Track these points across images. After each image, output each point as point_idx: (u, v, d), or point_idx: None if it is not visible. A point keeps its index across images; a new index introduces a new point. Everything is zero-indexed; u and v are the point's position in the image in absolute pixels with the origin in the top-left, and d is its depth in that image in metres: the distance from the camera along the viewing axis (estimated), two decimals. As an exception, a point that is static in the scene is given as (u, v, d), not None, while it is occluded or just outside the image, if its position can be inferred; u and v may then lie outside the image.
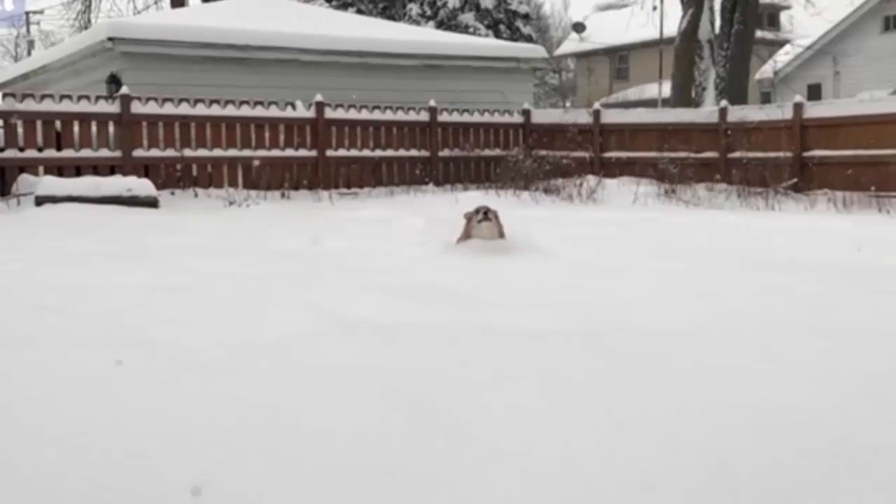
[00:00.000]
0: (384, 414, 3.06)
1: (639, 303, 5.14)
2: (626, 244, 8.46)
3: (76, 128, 13.88)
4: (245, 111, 15.29)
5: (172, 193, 14.05)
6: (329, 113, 16.09)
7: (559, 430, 2.93)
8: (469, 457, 2.70)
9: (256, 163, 15.13)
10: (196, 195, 14.27)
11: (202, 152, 14.89)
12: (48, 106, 13.71)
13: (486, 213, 7.28)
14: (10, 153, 13.37)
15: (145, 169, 14.09)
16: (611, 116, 18.42)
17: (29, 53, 31.22)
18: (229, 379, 3.42)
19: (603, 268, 6.62)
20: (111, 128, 14.16)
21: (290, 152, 15.76)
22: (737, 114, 16.89)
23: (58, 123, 13.80)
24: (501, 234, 7.41)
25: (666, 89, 29.13)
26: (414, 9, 34.52)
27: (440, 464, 2.66)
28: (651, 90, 40.37)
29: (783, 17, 46.51)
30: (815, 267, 6.69)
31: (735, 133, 16.44)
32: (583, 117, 18.29)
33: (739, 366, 3.71)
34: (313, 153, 15.96)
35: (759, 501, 2.44)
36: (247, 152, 15.27)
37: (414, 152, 17.26)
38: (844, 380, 3.52)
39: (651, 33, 36.95)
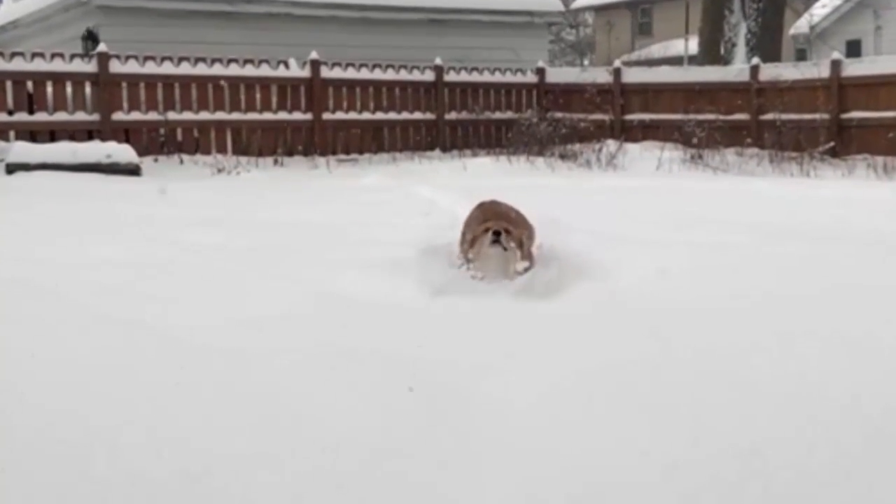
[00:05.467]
0: (382, 396, 3.06)
1: (661, 275, 5.13)
2: (649, 214, 8.43)
3: (50, 89, 13.86)
4: (234, 70, 15.25)
5: (156, 160, 14.03)
6: (326, 72, 16.04)
7: (574, 410, 2.94)
8: (475, 442, 2.70)
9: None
10: (181, 162, 14.26)
11: (187, 115, 14.87)
12: (18, 65, 13.68)
13: (497, 233, 4.91)
14: (-22, 117, 13.39)
15: (126, 134, 14.09)
16: (632, 75, 18.37)
17: (-3, 8, 31.10)
18: (218, 360, 3.43)
19: (624, 239, 6.59)
20: (88, 89, 14.14)
21: (283, 115, 15.73)
22: (769, 72, 16.82)
23: (29, 84, 13.78)
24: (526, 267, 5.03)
25: (693, 45, 28.97)
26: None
27: (443, 448, 2.66)
28: (676, 47, 40.14)
29: (821, -34, 46.17)
30: (852, 237, 6.66)
31: (767, 93, 16.38)
32: (602, 76, 18.24)
33: (767, 344, 3.71)
34: (309, 116, 15.93)
35: (791, 490, 2.45)
36: (236, 115, 15.24)
37: (418, 115, 17.21)
38: (884, 357, 3.52)
39: (676, -16, 36.69)
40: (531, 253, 5.22)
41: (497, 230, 4.90)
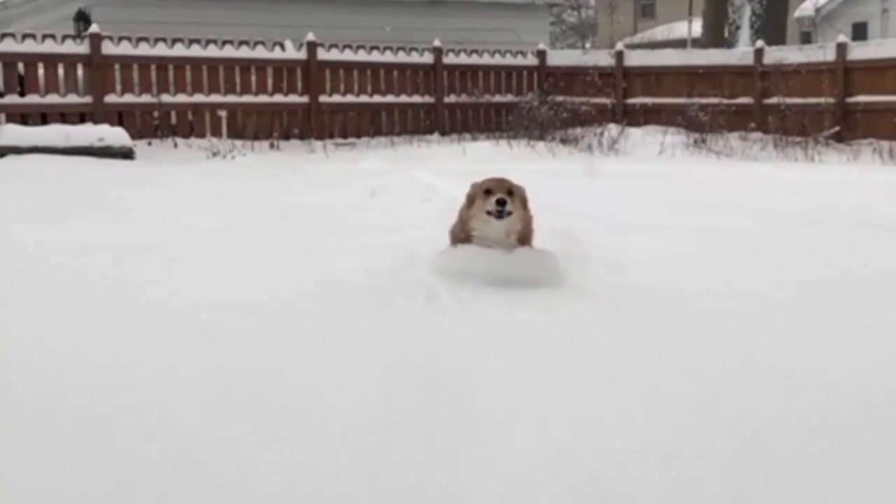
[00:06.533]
0: (381, 382, 3.07)
1: (665, 261, 5.14)
2: (652, 199, 8.44)
3: (41, 71, 13.84)
4: (228, 52, 15.22)
5: (149, 144, 14.03)
6: (322, 54, 16.00)
7: (575, 397, 2.94)
8: (474, 431, 2.71)
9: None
10: (175, 145, 14.26)
11: (182, 98, 14.85)
12: (9, 46, 13.65)
13: (501, 202, 4.39)
14: (-31, 99, 13.37)
15: (119, 116, 14.07)
16: (635, 58, 18.35)
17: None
18: (214, 345, 3.43)
19: (627, 224, 6.60)
20: (80, 71, 14.12)
21: (279, 98, 15.71)
22: (774, 55, 16.81)
23: (20, 66, 13.75)
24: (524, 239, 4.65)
25: (696, 28, 28.95)
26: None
27: (442, 440, 2.67)
28: (680, 29, 40.06)
29: (827, -54, 46.05)
30: (857, 222, 6.67)
31: (772, 76, 16.37)
32: (604, 59, 18.23)
33: (772, 329, 3.72)
34: (305, 99, 15.91)
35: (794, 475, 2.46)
36: (231, 98, 15.22)
37: (417, 98, 17.19)
38: (889, 344, 3.53)
39: (680, -35, 36.62)
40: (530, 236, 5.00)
41: (502, 199, 4.37)
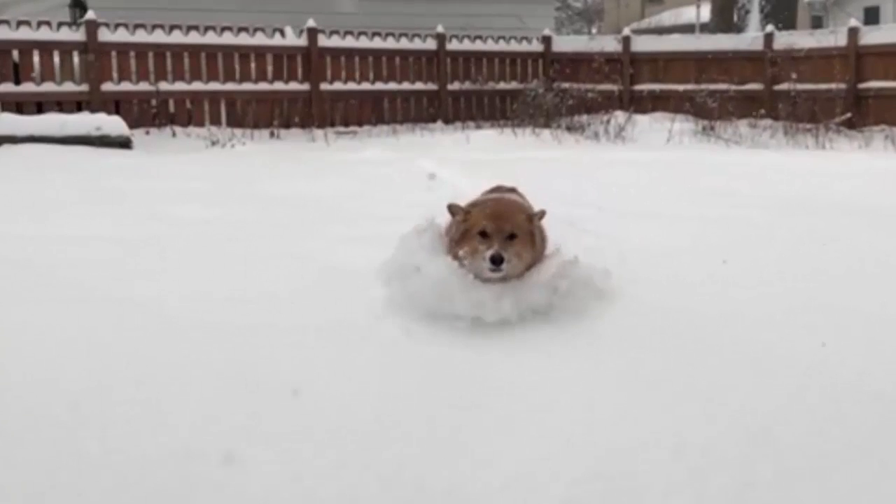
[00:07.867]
0: (381, 379, 3.08)
1: (671, 251, 5.14)
2: (659, 188, 8.43)
3: (36, 58, 13.83)
4: (227, 38, 15.19)
5: (147, 133, 14.02)
6: (323, 41, 15.98)
7: (579, 391, 2.95)
8: (476, 423, 2.71)
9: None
10: (174, 134, 14.25)
11: (180, 86, 14.83)
12: (4, 34, 13.64)
13: (496, 260, 3.58)
14: (-37, 88, 13.37)
15: (116, 105, 14.06)
16: (642, 44, 18.31)
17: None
18: (214, 341, 3.44)
19: (634, 214, 6.61)
20: (76, 58, 14.09)
21: (279, 86, 15.68)
22: (784, 40, 16.77)
23: (15, 54, 13.74)
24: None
25: (705, 13, 28.89)
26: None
27: (442, 433, 2.67)
28: (688, 14, 39.99)
29: (839, -71, 45.87)
30: (865, 211, 6.67)
31: (782, 62, 16.33)
32: (611, 45, 18.18)
33: (778, 320, 3.72)
34: (306, 86, 15.88)
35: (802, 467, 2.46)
36: (230, 86, 15.20)
37: (420, 85, 17.16)
38: (888, 332, 3.54)
39: (688, -52, 36.52)
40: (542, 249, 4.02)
41: (497, 256, 3.56)
